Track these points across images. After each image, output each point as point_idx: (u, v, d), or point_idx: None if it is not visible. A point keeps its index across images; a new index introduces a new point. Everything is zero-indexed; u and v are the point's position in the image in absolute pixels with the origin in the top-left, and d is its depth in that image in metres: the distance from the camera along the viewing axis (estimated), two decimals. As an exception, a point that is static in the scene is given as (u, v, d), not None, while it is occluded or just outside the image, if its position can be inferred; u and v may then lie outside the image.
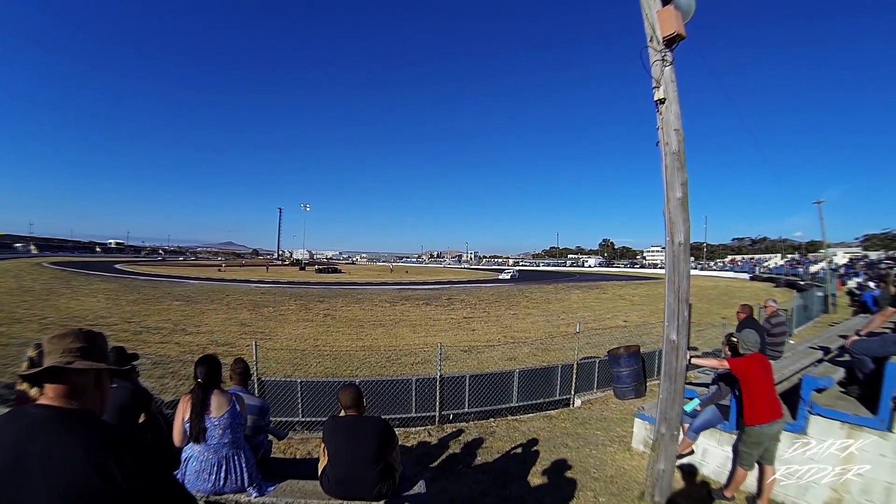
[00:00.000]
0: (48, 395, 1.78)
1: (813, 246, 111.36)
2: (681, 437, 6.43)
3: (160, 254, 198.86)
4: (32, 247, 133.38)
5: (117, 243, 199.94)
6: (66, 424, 1.69)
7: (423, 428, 9.62)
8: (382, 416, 4.51)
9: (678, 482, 6.66)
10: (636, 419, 8.34)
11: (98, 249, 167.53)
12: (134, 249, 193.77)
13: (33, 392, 2.77)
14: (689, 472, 7.11)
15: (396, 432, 8.00)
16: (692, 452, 7.18)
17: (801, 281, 52.35)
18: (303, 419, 9.42)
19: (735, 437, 6.41)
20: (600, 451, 8.09)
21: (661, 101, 5.78)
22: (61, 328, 1.91)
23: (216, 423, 3.99)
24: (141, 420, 4.51)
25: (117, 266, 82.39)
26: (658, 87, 5.77)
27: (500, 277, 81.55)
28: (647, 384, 10.79)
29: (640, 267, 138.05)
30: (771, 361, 6.63)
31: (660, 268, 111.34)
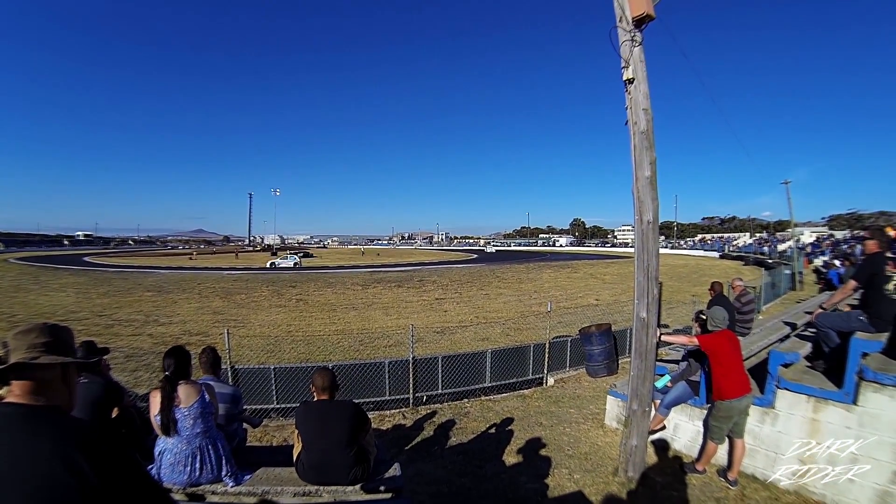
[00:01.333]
0: (14, 393, 1.76)
1: (781, 225, 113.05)
2: (652, 413, 6.53)
3: (130, 244, 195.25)
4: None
5: (86, 235, 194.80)
6: (34, 422, 1.66)
7: (397, 410, 9.66)
8: (354, 400, 4.52)
9: (651, 457, 6.77)
10: (608, 396, 8.38)
11: (66, 242, 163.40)
12: (103, 241, 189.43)
13: (2, 391, 2.75)
14: (662, 446, 7.21)
15: (370, 416, 8.02)
16: (664, 428, 7.29)
17: (770, 259, 53.17)
18: (277, 406, 9.41)
19: (705, 411, 6.52)
20: (574, 429, 8.17)
21: (630, 81, 5.79)
22: (25, 324, 1.87)
23: (186, 413, 3.99)
24: (114, 414, 4.50)
25: (86, 259, 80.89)
26: (627, 68, 5.77)
27: (487, 250, 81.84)
28: (619, 362, 10.98)
29: (612, 246, 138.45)
30: (739, 338, 6.75)
31: (631, 247, 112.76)
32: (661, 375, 7.12)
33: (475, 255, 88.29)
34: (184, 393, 4.05)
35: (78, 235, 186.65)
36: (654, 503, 5.71)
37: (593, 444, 7.51)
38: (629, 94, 5.87)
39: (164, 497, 1.85)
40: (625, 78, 5.82)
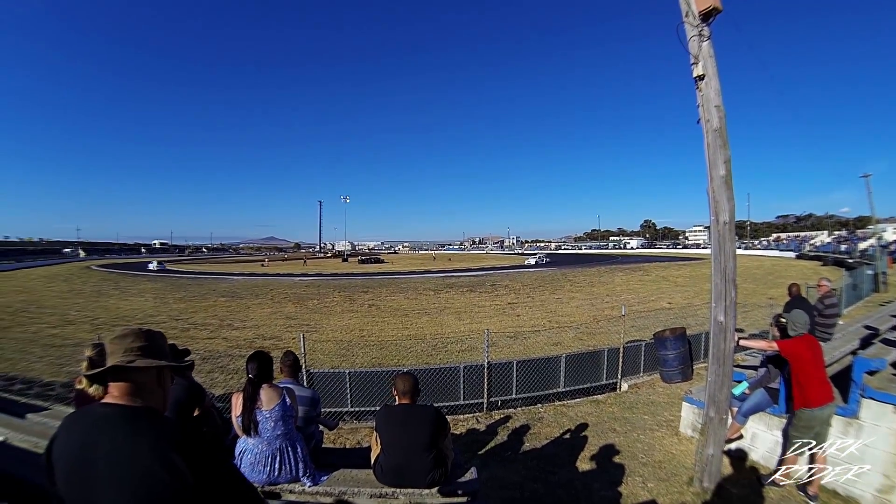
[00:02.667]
0: (112, 394, 1.84)
1: (861, 222, 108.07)
2: (729, 421, 6.35)
3: (203, 251, 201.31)
4: (80, 251, 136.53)
5: (161, 243, 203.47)
6: (133, 422, 1.74)
7: (470, 415, 9.69)
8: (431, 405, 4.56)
9: (727, 467, 6.58)
10: (684, 403, 8.24)
11: (143, 251, 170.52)
12: (178, 249, 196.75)
13: (92, 390, 2.88)
14: (738, 457, 7.01)
15: (446, 420, 8.05)
16: (741, 437, 7.08)
17: (850, 259, 50.72)
18: (351, 409, 9.56)
19: (785, 421, 6.25)
20: (648, 436, 8.04)
21: (700, 78, 5.68)
22: (122, 328, 1.96)
23: (268, 415, 4.09)
24: (195, 414, 4.65)
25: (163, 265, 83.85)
26: (696, 64, 5.67)
27: (526, 263, 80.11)
28: (694, 367, 10.69)
29: (683, 247, 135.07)
30: (821, 343, 6.52)
31: (703, 248, 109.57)
32: (739, 382, 6.93)
33: (547, 259, 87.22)
34: (266, 396, 4.16)
35: (154, 244, 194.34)
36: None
37: (668, 452, 7.37)
38: (700, 91, 5.75)
39: (254, 494, 1.91)
40: (695, 75, 5.71)
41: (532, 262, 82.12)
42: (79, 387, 4.57)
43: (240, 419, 4.13)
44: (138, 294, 36.41)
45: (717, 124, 5.65)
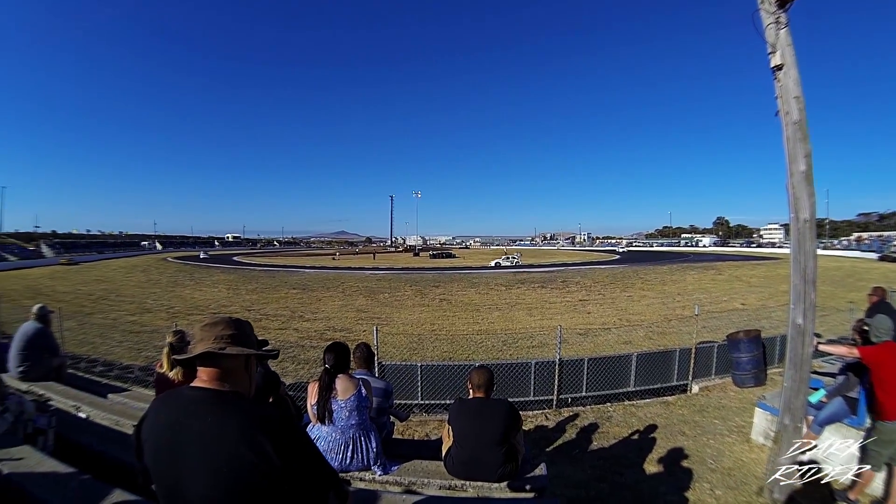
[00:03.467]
0: (202, 378, 1.91)
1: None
2: (804, 430, 6.12)
3: (275, 245, 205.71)
4: (157, 244, 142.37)
5: (234, 237, 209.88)
6: (222, 406, 1.81)
7: (540, 411, 9.69)
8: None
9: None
10: (757, 409, 7.89)
11: (217, 244, 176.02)
12: (250, 242, 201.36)
13: (173, 374, 2.92)
14: (811, 469, 6.76)
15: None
16: (815, 448, 6.82)
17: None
18: (422, 402, 9.67)
19: (863, 433, 5.89)
20: (718, 441, 7.82)
21: (779, 68, 5.45)
22: (213, 316, 2.02)
23: (343, 405, 4.17)
24: (270, 401, 4.79)
25: (235, 258, 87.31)
26: (774, 53, 5.44)
27: (494, 264, 69.30)
28: (768, 372, 10.43)
29: (757, 246, 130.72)
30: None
31: (778, 247, 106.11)
32: (816, 389, 6.71)
33: (618, 256, 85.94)
34: (341, 386, 4.24)
35: (227, 237, 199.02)
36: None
37: (738, 459, 7.14)
38: (778, 81, 5.52)
39: (335, 478, 1.97)
40: (772, 65, 5.48)
41: (505, 262, 72.77)
42: (160, 371, 4.77)
43: (315, 407, 4.23)
44: (212, 285, 37.75)
45: (797, 116, 5.42)
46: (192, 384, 1.92)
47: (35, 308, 7.54)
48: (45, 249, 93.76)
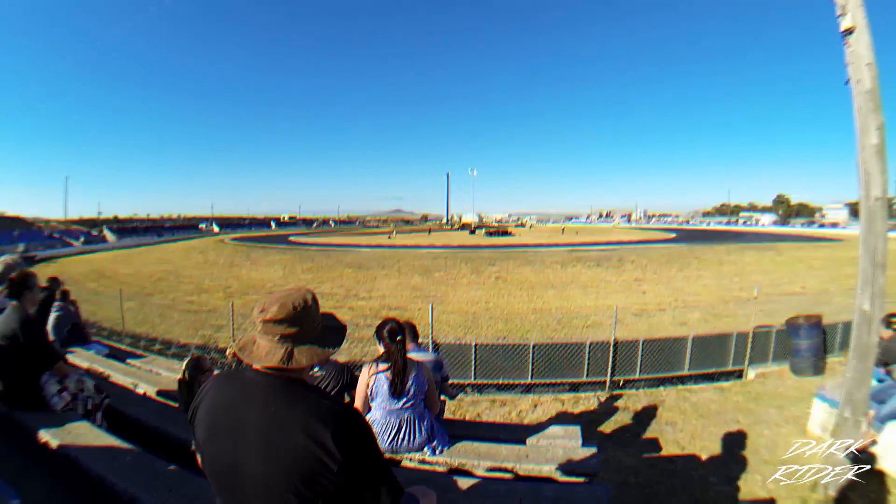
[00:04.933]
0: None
1: None
2: (864, 425, 5.94)
3: (331, 224, 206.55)
4: (215, 226, 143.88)
5: (290, 217, 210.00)
6: (286, 395, 1.76)
7: (592, 393, 9.67)
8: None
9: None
10: (815, 400, 7.59)
11: (273, 225, 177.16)
12: (305, 222, 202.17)
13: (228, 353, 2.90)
14: (870, 465, 6.50)
15: (566, 397, 8.09)
16: (875, 443, 6.60)
17: None
18: (475, 381, 9.73)
19: None
20: (773, 432, 7.60)
21: (849, 32, 5.10)
22: (276, 305, 1.84)
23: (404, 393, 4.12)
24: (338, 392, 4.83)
25: (291, 238, 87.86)
26: (844, 15, 5.09)
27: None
28: (828, 360, 10.12)
29: (820, 226, 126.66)
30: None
31: (842, 227, 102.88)
32: (881, 382, 6.53)
33: (674, 235, 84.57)
34: None
35: (283, 217, 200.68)
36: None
37: (793, 451, 7.02)
38: (849, 46, 5.16)
39: (395, 483, 1.89)
40: (842, 28, 5.13)
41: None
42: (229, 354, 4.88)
43: (373, 388, 4.14)
44: (268, 265, 38.33)
45: (868, 85, 5.08)
46: (254, 367, 1.85)
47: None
48: (107, 234, 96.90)
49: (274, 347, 1.82)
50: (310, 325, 1.91)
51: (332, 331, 2.04)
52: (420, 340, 5.53)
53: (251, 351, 1.85)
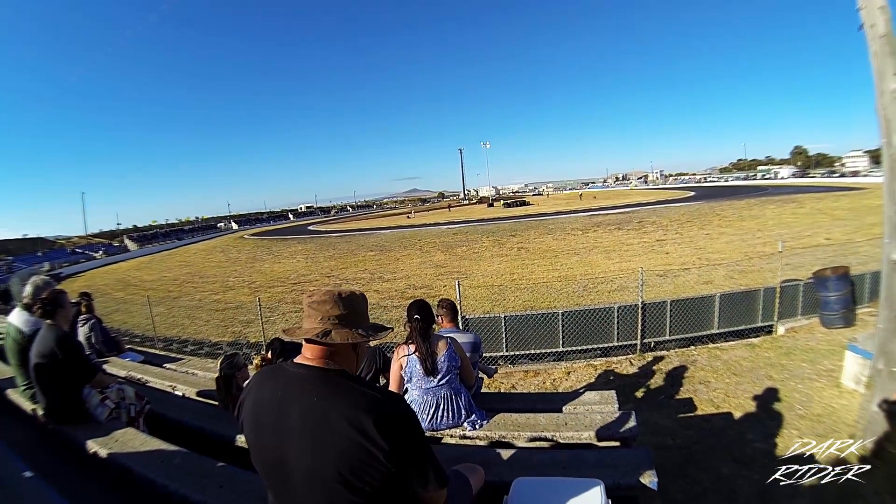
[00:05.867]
0: (306, 356, 1.90)
1: None
2: None
3: (349, 210, 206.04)
4: (233, 223, 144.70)
5: (307, 207, 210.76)
6: (327, 385, 1.80)
7: (624, 357, 9.73)
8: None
9: (892, 429, 6.14)
10: (847, 352, 7.46)
11: (290, 216, 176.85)
12: (322, 210, 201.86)
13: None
14: None
15: (598, 362, 8.13)
16: None
17: None
18: (507, 353, 9.82)
19: None
20: (806, 386, 7.59)
21: None
22: (322, 291, 1.98)
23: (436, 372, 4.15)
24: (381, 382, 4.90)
25: (310, 227, 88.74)
26: None
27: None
28: (857, 312, 10.03)
29: (840, 176, 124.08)
30: None
31: (863, 176, 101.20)
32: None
33: (692, 193, 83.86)
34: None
35: (300, 208, 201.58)
36: (890, 481, 5.18)
37: (827, 405, 6.89)
38: None
39: (441, 471, 1.92)
40: None
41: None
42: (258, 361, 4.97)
43: (409, 368, 4.18)
44: (290, 256, 38.67)
45: (883, 29, 4.92)
46: (295, 360, 1.92)
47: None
48: (128, 243, 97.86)
49: (315, 326, 1.90)
50: (353, 312, 1.98)
51: (375, 326, 2.08)
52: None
53: (295, 331, 1.98)
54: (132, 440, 3.90)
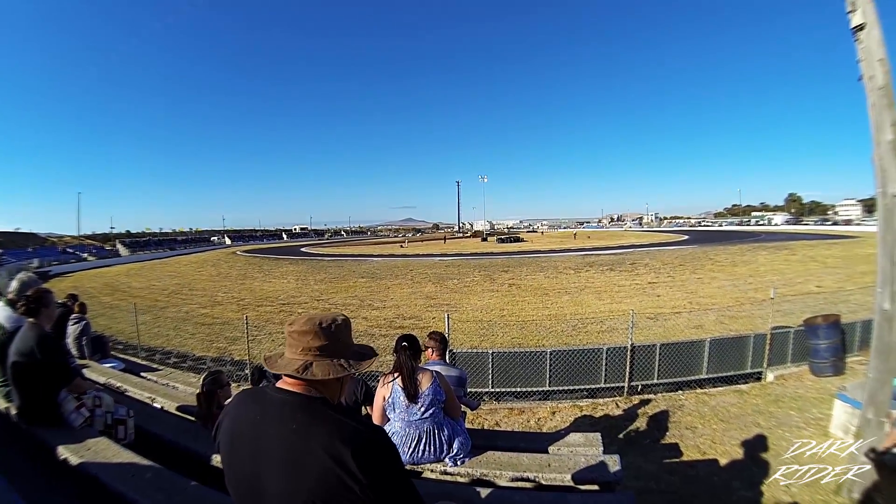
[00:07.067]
0: (287, 381, 1.85)
1: None
2: (887, 427, 5.83)
3: (342, 234, 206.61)
4: (226, 238, 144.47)
5: (301, 228, 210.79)
6: (307, 413, 1.76)
7: (611, 399, 9.64)
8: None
9: (880, 479, 6.10)
10: (836, 401, 7.49)
11: (284, 236, 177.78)
12: (316, 233, 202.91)
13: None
14: (894, 468, 6.47)
15: (584, 403, 8.03)
16: None
17: None
18: (492, 389, 9.71)
19: None
20: (794, 434, 7.50)
21: (860, 28, 5.11)
22: (304, 320, 1.90)
23: (419, 399, 4.10)
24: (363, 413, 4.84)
25: (303, 249, 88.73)
26: (854, 11, 5.11)
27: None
28: (847, 360, 10.02)
29: (833, 224, 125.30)
30: None
31: (855, 224, 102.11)
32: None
33: (686, 237, 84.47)
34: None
35: (294, 229, 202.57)
36: (879, 530, 5.11)
37: (814, 454, 6.92)
38: (860, 42, 5.18)
39: (418, 501, 1.85)
40: (853, 25, 5.15)
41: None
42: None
43: (392, 399, 4.13)
44: (281, 276, 38.59)
45: (881, 81, 5.06)
46: (277, 384, 1.89)
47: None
48: (120, 248, 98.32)
49: (295, 358, 1.85)
50: (334, 343, 1.91)
51: (358, 353, 2.02)
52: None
53: (276, 361, 1.90)
54: (105, 450, 3.82)
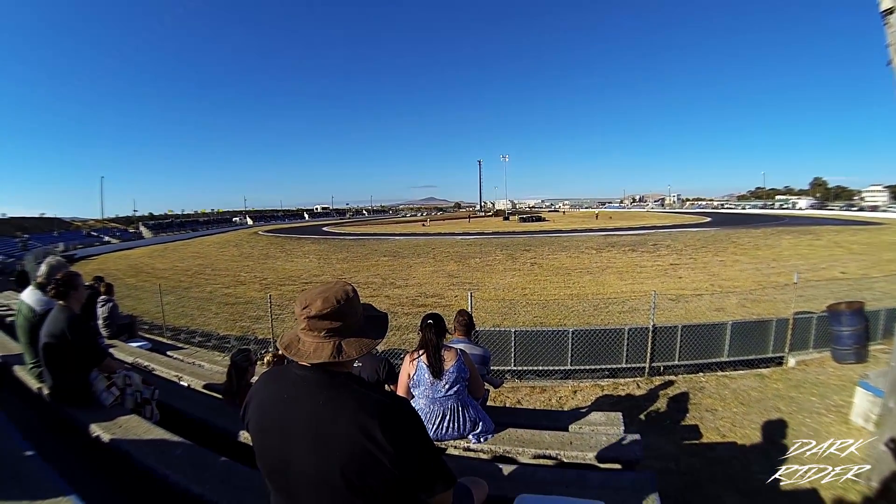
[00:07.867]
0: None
1: None
2: None
3: (364, 214, 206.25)
4: (248, 219, 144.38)
5: (323, 208, 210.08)
6: (333, 389, 1.77)
7: (631, 379, 9.65)
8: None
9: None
10: (858, 388, 7.38)
11: (306, 216, 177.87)
12: (338, 212, 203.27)
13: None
14: None
15: (605, 383, 8.05)
16: None
17: None
18: (514, 368, 9.77)
19: None
20: (814, 420, 7.51)
21: (889, 11, 4.87)
22: (319, 301, 1.84)
23: (443, 376, 4.14)
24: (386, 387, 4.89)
25: (325, 228, 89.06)
26: None
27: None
28: (870, 348, 9.92)
29: (859, 209, 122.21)
30: None
31: (882, 211, 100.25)
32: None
33: (709, 219, 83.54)
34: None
35: (316, 208, 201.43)
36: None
37: (835, 441, 6.87)
38: (889, 26, 4.92)
39: (449, 474, 1.87)
40: (882, 8, 4.90)
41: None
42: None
43: (417, 376, 4.18)
44: (303, 256, 38.97)
45: None
46: (300, 362, 1.86)
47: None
48: (143, 230, 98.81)
49: (321, 343, 1.83)
50: (353, 317, 1.90)
51: (375, 320, 2.02)
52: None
53: (298, 349, 1.85)
54: (135, 427, 3.90)
